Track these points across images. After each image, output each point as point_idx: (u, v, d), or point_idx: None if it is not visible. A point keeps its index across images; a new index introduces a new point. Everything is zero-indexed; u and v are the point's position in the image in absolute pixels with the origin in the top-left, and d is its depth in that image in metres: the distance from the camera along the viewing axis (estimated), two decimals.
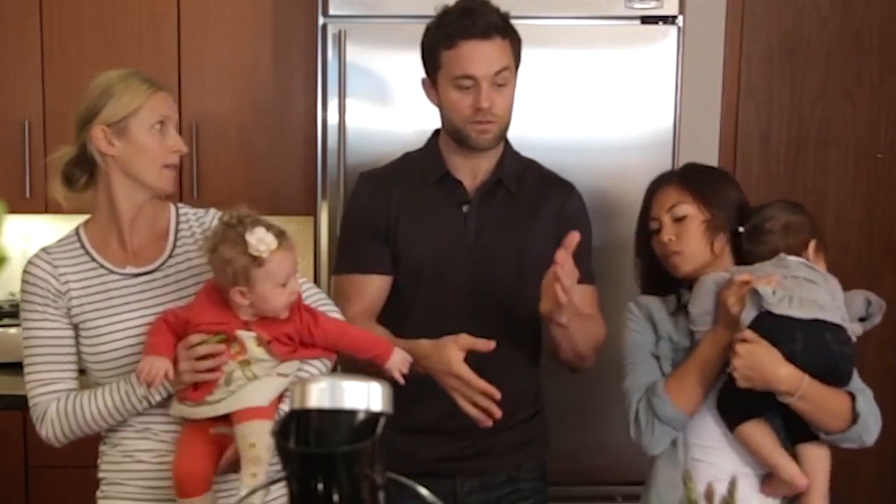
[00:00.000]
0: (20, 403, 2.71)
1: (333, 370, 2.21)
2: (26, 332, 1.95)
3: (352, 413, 1.02)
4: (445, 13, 2.06)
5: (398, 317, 2.15)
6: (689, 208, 2.01)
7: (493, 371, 2.09)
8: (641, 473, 2.12)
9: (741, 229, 2.03)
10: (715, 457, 1.97)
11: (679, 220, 2.00)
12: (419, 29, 2.12)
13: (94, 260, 1.95)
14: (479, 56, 2.01)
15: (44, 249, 1.97)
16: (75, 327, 1.93)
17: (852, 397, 1.90)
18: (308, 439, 1.01)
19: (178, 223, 2.02)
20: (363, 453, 0.98)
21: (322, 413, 1.02)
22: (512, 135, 2.22)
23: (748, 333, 1.87)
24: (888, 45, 3.22)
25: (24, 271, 1.95)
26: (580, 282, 2.15)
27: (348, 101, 2.59)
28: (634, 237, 2.14)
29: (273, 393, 1.86)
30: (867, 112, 3.24)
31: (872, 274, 3.22)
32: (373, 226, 2.14)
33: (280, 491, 2.02)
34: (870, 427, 1.91)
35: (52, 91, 2.92)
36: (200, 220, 2.04)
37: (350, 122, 2.60)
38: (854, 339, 1.94)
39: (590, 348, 2.10)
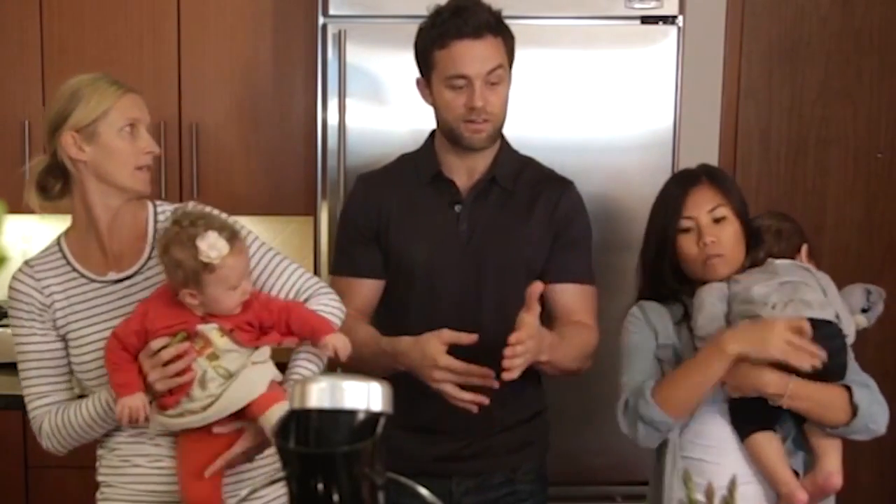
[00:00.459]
0: (20, 403, 2.69)
1: (333, 370, 2.21)
2: (17, 346, 1.95)
3: (352, 413, 1.02)
4: (438, 13, 2.06)
5: (393, 317, 2.15)
6: (727, 211, 2.00)
7: (494, 371, 2.10)
8: (641, 473, 2.13)
9: None
10: (717, 457, 1.97)
11: (718, 221, 1.99)
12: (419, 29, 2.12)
13: (75, 270, 1.94)
14: (472, 55, 2.01)
15: (27, 263, 1.97)
16: (63, 338, 1.93)
17: (849, 390, 1.90)
18: (308, 439, 1.01)
19: (156, 221, 1.99)
20: (363, 453, 0.98)
21: (322, 413, 1.02)
22: (512, 135, 2.22)
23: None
24: (888, 45, 3.22)
25: (9, 287, 1.94)
26: (578, 281, 2.15)
27: (348, 101, 2.59)
28: (645, 240, 2.10)
29: (265, 377, 1.84)
30: (867, 112, 3.24)
31: (872, 274, 3.21)
32: (365, 228, 2.14)
33: (280, 491, 2.02)
34: (875, 416, 1.91)
35: (52, 91, 2.89)
36: None
37: (350, 122, 2.60)
38: (857, 330, 1.97)
39: (577, 361, 2.09)
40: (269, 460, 2.02)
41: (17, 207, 2.88)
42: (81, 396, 1.95)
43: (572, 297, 2.12)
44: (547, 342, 1.94)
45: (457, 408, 1.97)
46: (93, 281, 1.93)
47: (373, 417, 1.01)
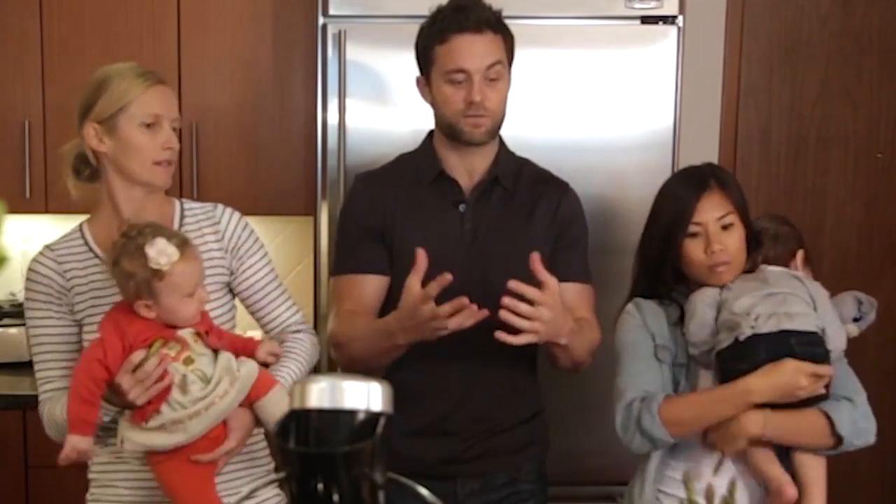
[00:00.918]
0: (20, 403, 2.71)
1: (334, 371, 2.22)
2: (30, 329, 1.96)
3: (352, 413, 1.02)
4: (438, 11, 2.08)
5: None
6: (734, 218, 2.00)
7: (493, 371, 2.10)
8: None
9: None
10: (700, 458, 1.98)
11: (726, 228, 1.99)
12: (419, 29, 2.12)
13: (97, 256, 1.95)
14: (471, 50, 2.02)
15: (48, 246, 1.97)
16: (78, 323, 1.93)
17: (828, 417, 1.90)
18: (308, 439, 1.01)
19: (182, 217, 2.01)
20: (363, 453, 0.98)
21: (322, 413, 1.02)
22: (512, 135, 2.22)
23: None
24: (888, 45, 3.22)
25: (29, 269, 1.95)
26: (576, 281, 2.16)
27: (348, 101, 2.59)
28: (647, 236, 2.09)
29: (250, 371, 1.83)
30: (867, 112, 3.24)
31: (872, 274, 3.22)
32: (369, 226, 2.14)
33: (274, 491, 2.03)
34: (862, 433, 1.92)
35: (52, 91, 2.92)
36: (209, 214, 2.03)
37: (350, 122, 2.60)
38: (848, 338, 1.98)
39: (587, 354, 2.10)
40: (268, 460, 2.02)
41: (17, 207, 2.90)
42: None
43: (574, 295, 2.12)
44: (569, 326, 1.94)
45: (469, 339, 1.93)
46: None
47: (373, 417, 1.01)
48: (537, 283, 1.90)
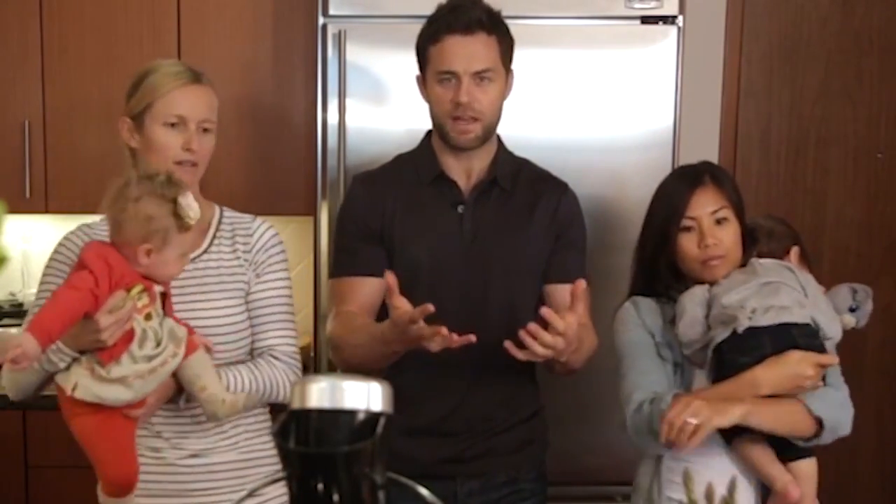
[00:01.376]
0: (20, 403, 2.71)
1: (333, 371, 2.21)
2: (39, 292, 1.96)
3: (352, 413, 1.02)
4: (437, 9, 2.08)
5: None
6: (728, 213, 2.00)
7: (492, 371, 2.10)
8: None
9: None
10: (704, 459, 1.97)
11: (719, 223, 1.99)
12: (419, 29, 2.12)
13: None
14: (460, 51, 2.02)
15: (85, 224, 2.01)
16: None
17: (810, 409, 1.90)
18: (308, 439, 1.01)
19: (219, 223, 2.04)
20: (363, 453, 0.98)
21: (322, 413, 1.02)
22: (512, 135, 2.22)
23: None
24: (888, 45, 3.22)
25: (60, 242, 2.00)
26: (574, 280, 2.15)
27: (348, 101, 2.59)
28: (643, 234, 2.09)
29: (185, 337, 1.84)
30: (867, 112, 3.24)
31: (872, 274, 3.22)
32: (367, 228, 2.14)
33: (280, 490, 2.02)
34: (841, 422, 1.92)
35: (52, 91, 2.92)
36: (246, 225, 2.05)
37: (350, 122, 2.60)
38: (844, 329, 1.98)
39: (583, 363, 2.09)
40: (269, 460, 2.02)
41: (17, 207, 2.90)
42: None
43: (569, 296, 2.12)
44: (573, 346, 1.94)
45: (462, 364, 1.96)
46: None
47: (373, 417, 1.01)
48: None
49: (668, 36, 2.62)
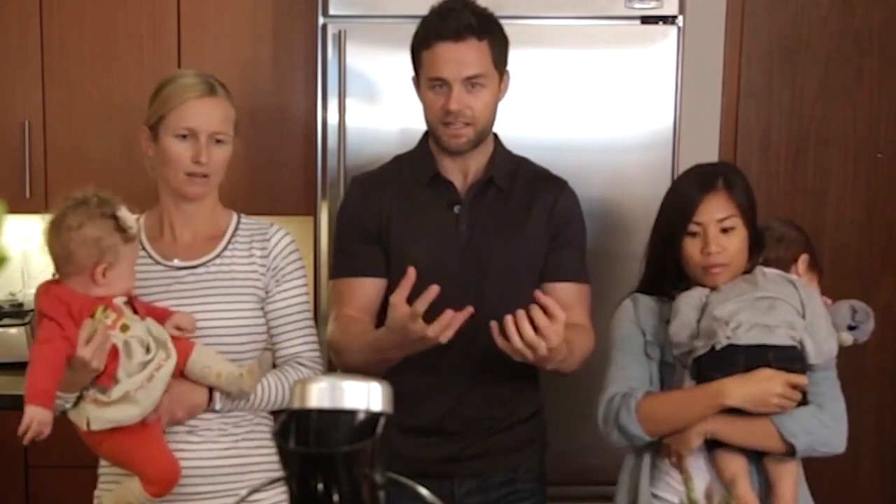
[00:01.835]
0: (20, 403, 2.70)
1: (333, 370, 2.22)
2: None
3: (352, 413, 1.02)
4: (429, 13, 2.08)
5: None
6: (737, 221, 1.98)
7: (492, 371, 2.10)
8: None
9: None
10: (698, 463, 1.98)
11: (726, 231, 1.98)
12: None
13: (143, 248, 2.00)
14: (450, 59, 2.01)
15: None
16: None
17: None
18: (308, 439, 1.01)
19: (236, 229, 2.06)
20: (363, 453, 0.98)
21: (322, 413, 1.02)
22: (512, 135, 2.22)
23: None
24: (888, 45, 3.22)
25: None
26: (573, 280, 2.15)
27: (348, 101, 2.59)
28: (653, 231, 2.09)
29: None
30: (867, 112, 3.24)
31: (872, 274, 3.22)
32: (365, 228, 2.14)
33: (280, 487, 2.02)
34: (826, 442, 1.91)
35: (52, 91, 2.92)
36: (263, 231, 2.07)
37: (350, 122, 2.60)
38: (841, 346, 1.98)
39: (576, 367, 2.08)
40: (265, 466, 2.02)
41: (17, 207, 2.90)
42: None
43: (569, 295, 2.12)
44: (562, 354, 1.94)
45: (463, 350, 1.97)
46: (158, 263, 2.00)
47: (373, 417, 1.01)
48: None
49: (668, 36, 2.62)
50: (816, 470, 2.09)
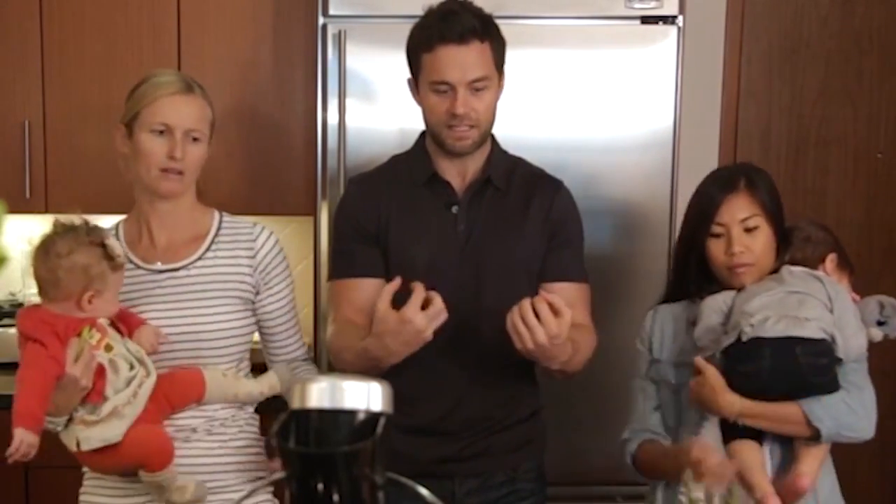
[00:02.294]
0: None
1: (332, 371, 2.21)
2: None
3: (352, 413, 1.02)
4: (427, 15, 2.06)
5: None
6: (760, 220, 1.98)
7: (491, 371, 2.10)
8: (641, 474, 2.12)
9: None
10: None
11: (749, 230, 1.98)
12: None
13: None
14: (455, 62, 2.00)
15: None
16: None
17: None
18: (308, 439, 1.01)
19: (219, 229, 2.05)
20: (363, 453, 0.98)
21: (322, 413, 1.02)
22: (512, 135, 2.22)
23: (699, 363, 1.93)
24: (888, 45, 3.22)
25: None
26: (572, 280, 2.15)
27: (348, 101, 2.59)
28: (678, 239, 2.11)
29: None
30: (867, 112, 3.24)
31: (872, 274, 3.22)
32: (363, 229, 2.14)
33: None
34: (852, 427, 1.91)
35: (52, 91, 2.92)
36: (247, 231, 2.06)
37: (350, 122, 2.60)
38: (870, 342, 1.99)
39: (582, 363, 2.08)
40: (251, 465, 2.03)
41: (17, 207, 2.90)
42: None
43: (570, 295, 2.12)
44: (565, 357, 1.94)
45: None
46: (139, 267, 1.99)
47: (373, 417, 1.01)
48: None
49: (668, 36, 2.62)
50: None
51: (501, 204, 2.14)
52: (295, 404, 1.03)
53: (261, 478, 2.03)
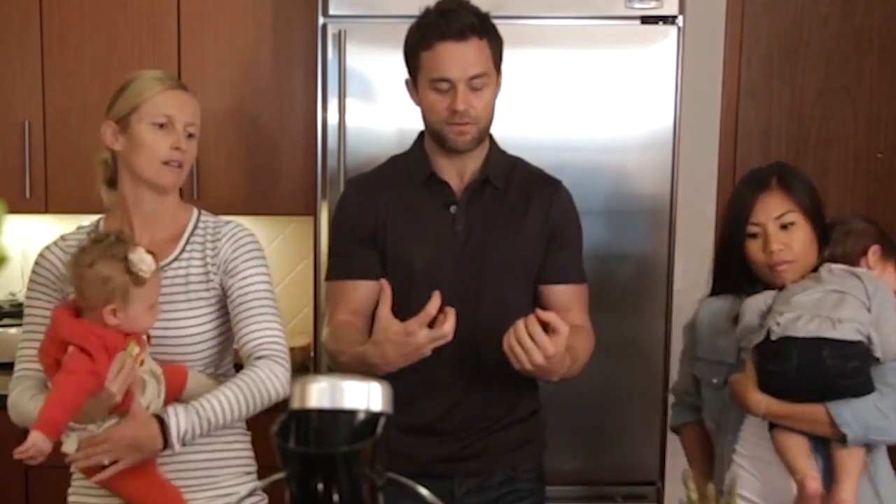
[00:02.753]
0: None
1: (332, 371, 2.21)
2: (24, 309, 2.04)
3: (352, 413, 1.02)
4: (424, 14, 2.06)
5: None
6: (796, 216, 1.98)
7: (490, 370, 2.10)
8: (641, 474, 2.13)
9: None
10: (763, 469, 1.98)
11: (786, 227, 1.98)
12: None
13: None
14: (455, 59, 2.01)
15: (62, 237, 2.03)
16: None
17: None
18: (308, 439, 1.01)
19: (195, 227, 2.04)
20: (363, 453, 0.98)
21: (322, 413, 1.02)
22: (511, 135, 2.22)
23: (746, 362, 1.96)
24: (888, 45, 3.22)
25: (38, 255, 2.01)
26: (574, 281, 2.16)
27: (348, 101, 2.60)
28: (716, 244, 2.13)
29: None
30: (867, 112, 3.24)
31: None
32: (360, 231, 2.14)
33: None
34: (880, 430, 1.87)
35: (52, 91, 2.92)
36: (218, 229, 2.03)
37: (350, 122, 2.60)
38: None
39: (582, 367, 2.08)
40: (239, 461, 2.03)
41: (17, 207, 2.90)
42: None
43: (568, 296, 2.13)
44: (565, 367, 1.95)
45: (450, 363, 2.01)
46: None
47: (373, 417, 1.01)
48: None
49: (668, 36, 2.62)
50: None
51: (500, 204, 2.14)
52: (295, 404, 1.03)
53: (249, 472, 2.03)
